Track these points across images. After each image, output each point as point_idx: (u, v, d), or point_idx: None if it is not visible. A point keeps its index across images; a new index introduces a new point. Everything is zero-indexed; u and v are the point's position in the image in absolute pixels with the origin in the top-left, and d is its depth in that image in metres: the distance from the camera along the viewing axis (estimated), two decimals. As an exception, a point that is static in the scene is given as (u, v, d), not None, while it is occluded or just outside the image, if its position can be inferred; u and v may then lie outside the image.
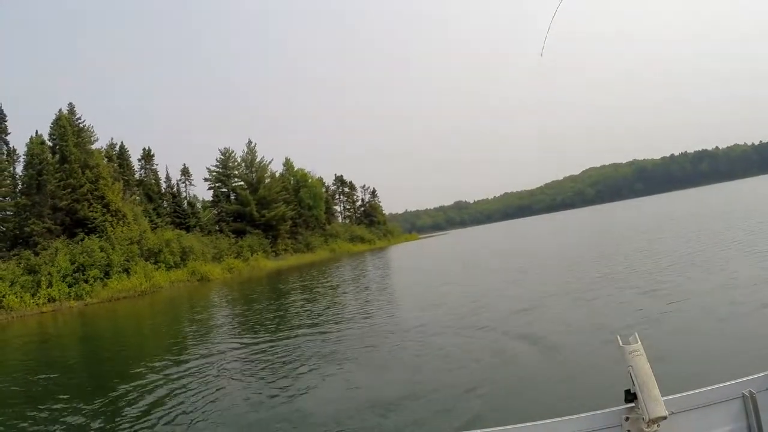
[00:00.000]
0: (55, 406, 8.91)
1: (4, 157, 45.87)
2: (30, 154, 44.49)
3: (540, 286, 15.21)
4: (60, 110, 49.14)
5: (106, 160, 53.70)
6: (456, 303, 14.42)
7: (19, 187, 45.14)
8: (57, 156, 46.73)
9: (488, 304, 13.45)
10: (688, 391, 2.85)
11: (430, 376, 7.72)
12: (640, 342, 2.73)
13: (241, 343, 12.80)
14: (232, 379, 9.38)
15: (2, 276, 34.74)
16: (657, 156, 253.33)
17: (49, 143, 47.35)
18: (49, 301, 35.17)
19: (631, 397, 2.72)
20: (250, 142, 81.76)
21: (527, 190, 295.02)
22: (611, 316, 9.84)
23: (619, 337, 2.85)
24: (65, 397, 9.61)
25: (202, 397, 8.31)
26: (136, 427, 7.20)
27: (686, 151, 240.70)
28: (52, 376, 12.18)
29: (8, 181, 45.31)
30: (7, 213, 43.68)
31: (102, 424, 7.56)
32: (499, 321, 10.92)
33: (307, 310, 17.66)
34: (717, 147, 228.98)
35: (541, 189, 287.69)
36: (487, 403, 6.25)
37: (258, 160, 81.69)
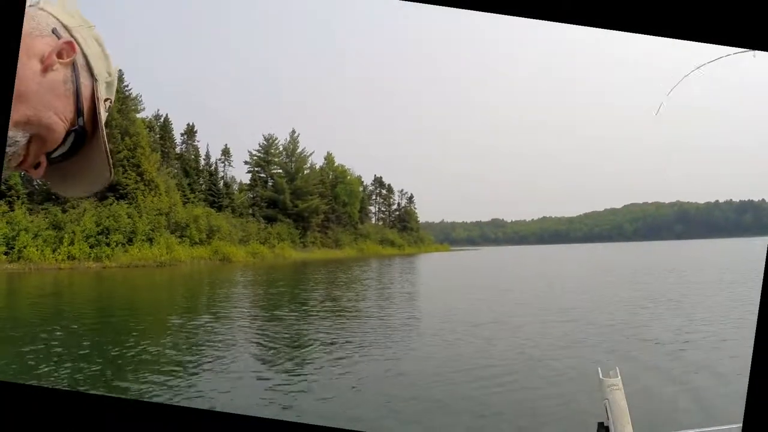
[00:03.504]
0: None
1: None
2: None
3: None
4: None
5: (148, 130, 53.89)
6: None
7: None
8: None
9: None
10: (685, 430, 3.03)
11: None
12: (620, 377, 2.74)
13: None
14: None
15: (27, 228, 34.68)
16: (701, 200, 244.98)
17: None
18: (68, 258, 34.95)
19: (603, 430, 2.68)
20: (293, 132, 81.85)
21: (566, 218, 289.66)
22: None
23: (600, 370, 2.84)
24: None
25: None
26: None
27: (731, 200, 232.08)
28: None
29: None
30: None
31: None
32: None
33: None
34: (764, 199, 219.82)
35: (581, 218, 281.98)
36: None
37: (299, 150, 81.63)
